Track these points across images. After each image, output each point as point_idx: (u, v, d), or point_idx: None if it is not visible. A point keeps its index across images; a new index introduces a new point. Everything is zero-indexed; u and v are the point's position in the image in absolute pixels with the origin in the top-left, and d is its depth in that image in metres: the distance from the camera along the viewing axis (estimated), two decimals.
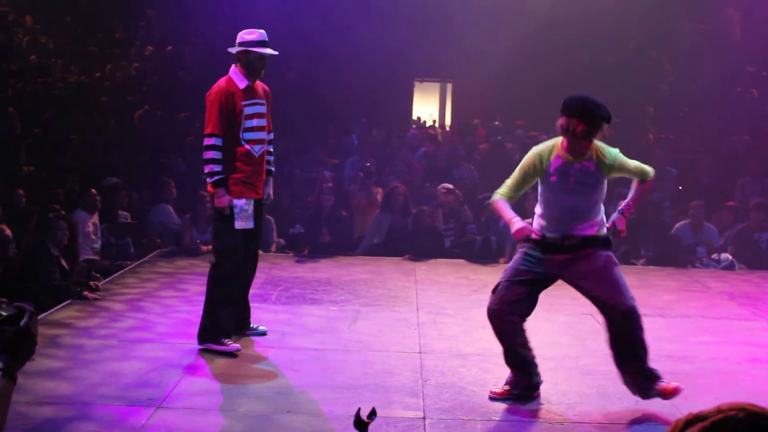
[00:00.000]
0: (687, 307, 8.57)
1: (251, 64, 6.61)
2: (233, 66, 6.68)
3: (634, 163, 5.64)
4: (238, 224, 6.58)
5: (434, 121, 22.18)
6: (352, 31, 15.76)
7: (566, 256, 5.52)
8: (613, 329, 5.47)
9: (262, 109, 6.72)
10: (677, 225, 11.30)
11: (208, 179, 6.57)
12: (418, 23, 16.17)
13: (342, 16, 15.93)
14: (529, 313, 5.65)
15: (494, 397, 5.71)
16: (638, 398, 5.57)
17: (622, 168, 5.56)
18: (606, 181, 5.55)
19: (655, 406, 5.58)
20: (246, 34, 6.64)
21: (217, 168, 6.49)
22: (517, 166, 5.66)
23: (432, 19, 16.30)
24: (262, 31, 6.67)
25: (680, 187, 13.25)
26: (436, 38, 16.16)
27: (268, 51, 6.64)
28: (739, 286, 9.66)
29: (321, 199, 11.21)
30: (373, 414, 2.19)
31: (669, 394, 5.41)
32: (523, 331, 5.65)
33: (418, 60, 17.07)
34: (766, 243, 11.09)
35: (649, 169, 5.68)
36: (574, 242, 5.50)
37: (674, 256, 10.87)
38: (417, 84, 19.60)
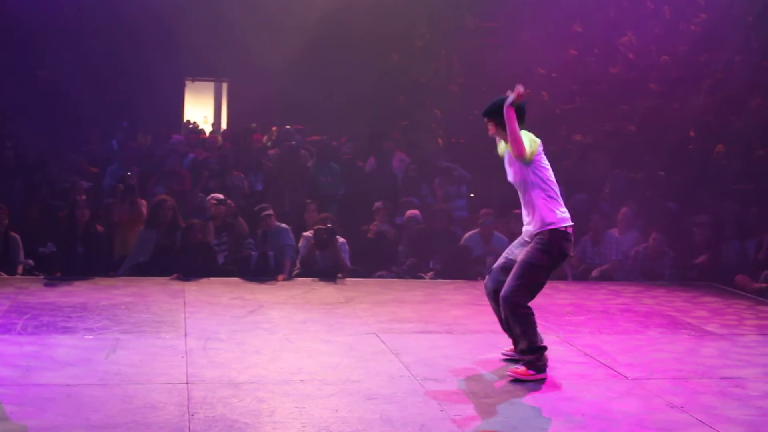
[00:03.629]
0: (477, 323, 8.80)
1: None
2: None
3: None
4: None
5: (212, 124, 21.97)
6: (114, 23, 15.39)
7: None
8: None
9: None
10: (466, 235, 11.65)
11: None
12: (189, 17, 15.91)
13: (101, 6, 15.52)
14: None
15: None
16: (423, 423, 5.71)
17: None
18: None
19: (439, 429, 5.73)
20: None
21: None
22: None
23: (205, 14, 16.12)
24: None
25: (471, 195, 13.70)
26: (210, 34, 15.95)
27: None
28: None
29: (75, 213, 10.84)
30: None
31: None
32: None
33: (190, 57, 16.79)
34: None
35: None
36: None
37: (463, 267, 11.22)
38: (189, 83, 19.37)
